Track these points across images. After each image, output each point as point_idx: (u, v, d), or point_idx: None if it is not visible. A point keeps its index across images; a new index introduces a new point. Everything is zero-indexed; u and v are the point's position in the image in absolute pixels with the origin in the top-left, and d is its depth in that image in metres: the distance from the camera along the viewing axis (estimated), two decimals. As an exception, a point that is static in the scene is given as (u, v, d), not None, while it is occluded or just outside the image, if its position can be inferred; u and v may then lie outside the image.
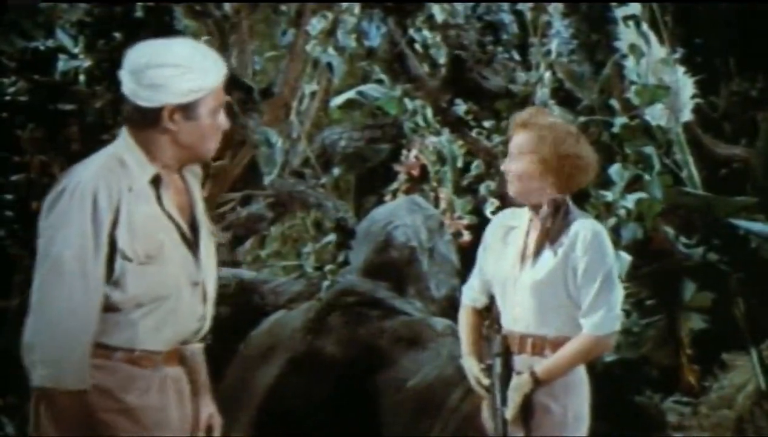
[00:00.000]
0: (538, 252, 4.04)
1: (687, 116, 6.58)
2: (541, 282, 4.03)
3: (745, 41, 8.02)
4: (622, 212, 5.97)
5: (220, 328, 6.92)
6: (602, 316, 3.94)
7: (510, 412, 3.99)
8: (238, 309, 6.83)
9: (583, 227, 3.99)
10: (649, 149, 6.04)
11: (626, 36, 6.30)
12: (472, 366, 4.11)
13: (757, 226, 6.42)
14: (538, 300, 4.04)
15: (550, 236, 4.01)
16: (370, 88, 6.91)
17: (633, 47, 6.23)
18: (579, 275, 3.96)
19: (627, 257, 5.99)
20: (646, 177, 5.99)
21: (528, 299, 4.05)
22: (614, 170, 5.98)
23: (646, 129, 6.10)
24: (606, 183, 6.12)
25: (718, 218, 6.50)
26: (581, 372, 4.06)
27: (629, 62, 6.28)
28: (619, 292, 4.02)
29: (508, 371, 4.05)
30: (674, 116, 6.41)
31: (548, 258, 4.03)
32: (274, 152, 6.10)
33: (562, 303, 4.01)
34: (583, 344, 3.97)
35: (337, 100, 7.17)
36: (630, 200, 5.96)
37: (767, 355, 6.54)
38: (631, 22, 6.26)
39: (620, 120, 6.13)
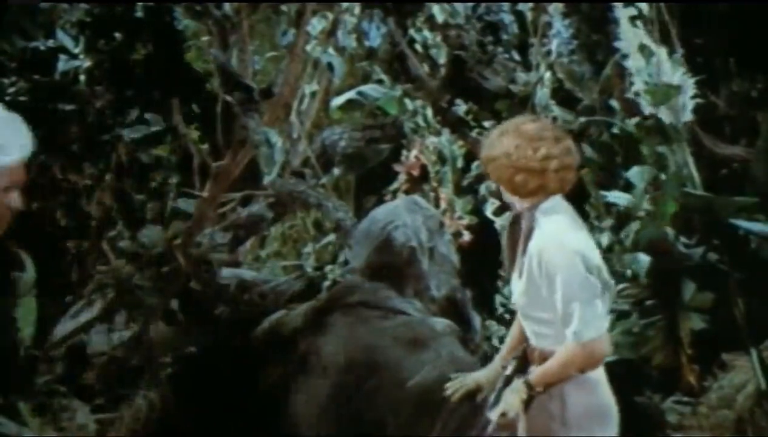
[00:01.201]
0: (515, 270, 4.08)
1: (687, 115, 6.58)
2: (520, 304, 4.07)
3: (746, 41, 8.02)
4: (638, 213, 5.98)
5: (220, 328, 6.97)
6: (577, 324, 3.91)
7: (496, 412, 4.01)
8: (239, 309, 6.84)
9: (534, 245, 3.99)
10: (664, 149, 6.04)
11: (634, 36, 6.29)
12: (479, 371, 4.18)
13: (757, 226, 6.41)
14: (524, 317, 4.07)
15: (512, 255, 4.04)
16: (370, 89, 6.91)
17: (643, 47, 6.22)
18: (543, 292, 3.95)
19: (646, 259, 6.00)
20: (663, 177, 5.99)
21: (520, 315, 4.09)
22: (633, 172, 5.99)
23: (659, 129, 6.10)
24: (611, 185, 6.13)
25: (718, 218, 6.49)
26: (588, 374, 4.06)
27: (639, 62, 6.26)
28: (592, 295, 3.96)
29: (512, 375, 4.07)
30: (675, 116, 6.41)
31: (515, 280, 4.06)
32: (274, 152, 6.10)
33: (546, 319, 4.01)
34: (568, 353, 3.97)
35: (338, 101, 7.18)
36: (645, 201, 5.98)
37: (767, 355, 6.53)
38: (639, 22, 6.25)
39: (634, 120, 6.13)
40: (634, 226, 5.95)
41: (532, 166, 3.98)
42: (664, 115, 6.14)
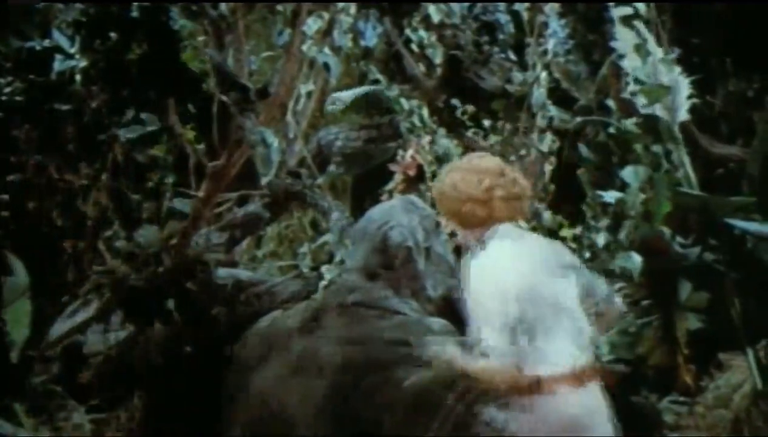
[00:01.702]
0: None
1: (683, 115, 6.58)
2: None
3: (742, 41, 8.03)
4: (630, 212, 5.98)
5: (216, 328, 6.96)
6: (483, 346, 4.02)
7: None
8: (234, 309, 6.83)
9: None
10: (658, 148, 6.05)
11: (629, 36, 6.29)
12: None
13: (753, 226, 6.40)
14: None
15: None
16: (366, 89, 6.90)
17: (638, 47, 6.22)
18: None
19: (638, 258, 6.00)
20: (656, 176, 6.00)
21: None
22: (627, 171, 6.00)
23: (653, 128, 6.11)
24: (608, 185, 6.13)
25: (714, 217, 6.49)
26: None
27: (635, 62, 6.26)
28: (496, 324, 3.98)
29: None
30: (671, 116, 6.41)
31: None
32: (270, 152, 6.10)
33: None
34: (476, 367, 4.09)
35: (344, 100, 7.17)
36: (639, 200, 5.98)
37: (764, 355, 6.53)
38: (634, 22, 6.25)
39: (630, 120, 6.14)
40: (629, 225, 5.95)
41: (476, 195, 4.17)
42: (660, 115, 6.14)
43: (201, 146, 7.37)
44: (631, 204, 5.95)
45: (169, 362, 6.91)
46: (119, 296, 6.99)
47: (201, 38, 7.38)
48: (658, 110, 6.14)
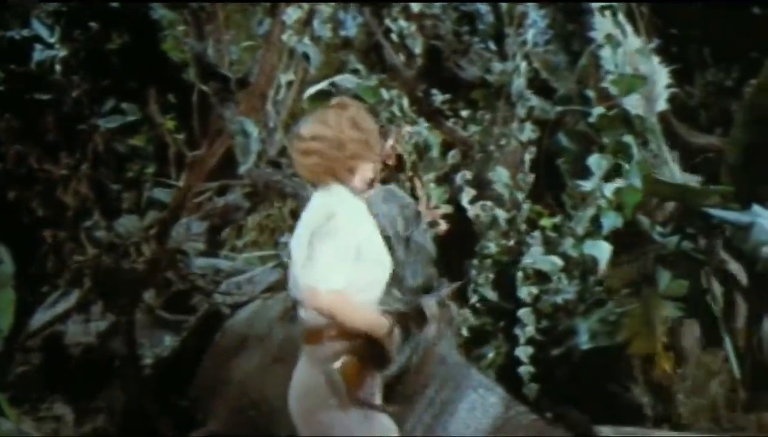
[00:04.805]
0: None
1: (662, 105, 6.61)
2: None
3: (720, 32, 8.06)
4: (602, 201, 5.98)
5: (197, 318, 6.96)
6: None
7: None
8: (215, 299, 6.84)
9: None
10: (628, 138, 6.05)
11: (602, 26, 6.31)
12: None
13: (731, 215, 6.44)
14: None
15: None
16: (345, 79, 6.89)
17: (609, 37, 6.24)
18: None
19: (607, 247, 6.01)
20: (625, 166, 6.00)
21: None
22: (593, 159, 6.00)
23: (624, 118, 6.12)
24: (585, 173, 6.14)
25: (693, 207, 6.53)
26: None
27: (606, 52, 6.28)
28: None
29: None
30: (649, 106, 6.43)
31: None
32: (250, 142, 6.09)
33: None
34: None
35: (312, 91, 7.15)
36: (609, 190, 5.97)
37: (741, 343, 6.58)
38: (607, 12, 6.27)
39: (598, 110, 6.13)
40: (590, 212, 5.97)
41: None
42: (636, 104, 6.16)
43: (181, 136, 7.36)
44: (597, 193, 5.96)
45: (150, 351, 6.92)
46: (100, 286, 6.98)
47: (181, 28, 7.35)
48: (636, 100, 6.16)
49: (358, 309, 3.94)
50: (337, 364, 3.89)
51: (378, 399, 4.07)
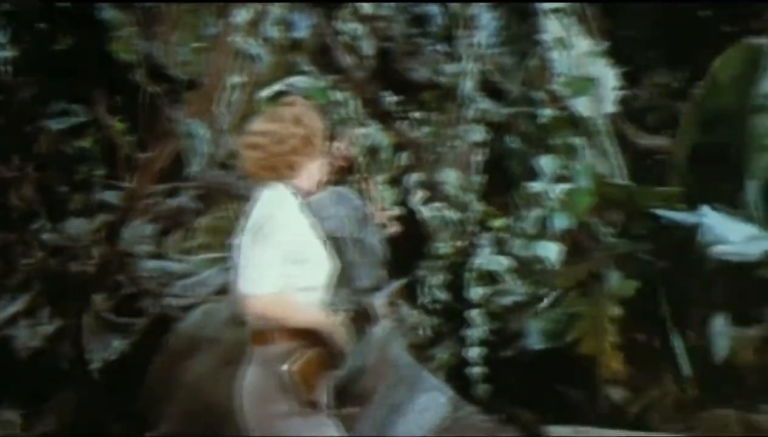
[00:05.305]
0: None
1: (610, 107, 6.65)
2: None
3: (668, 34, 8.13)
4: (551, 203, 6.02)
5: (147, 321, 6.92)
6: None
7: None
8: (166, 302, 6.80)
9: None
10: (577, 140, 6.09)
11: (552, 28, 6.34)
12: None
13: (679, 216, 6.50)
14: None
15: None
16: (297, 80, 6.88)
17: (559, 40, 6.28)
18: None
19: (557, 247, 6.04)
20: (575, 167, 6.04)
21: None
22: (543, 161, 6.03)
23: (573, 120, 6.16)
24: (535, 174, 6.18)
25: (641, 208, 6.58)
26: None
27: (556, 54, 6.32)
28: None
29: None
30: (597, 108, 6.47)
31: None
32: (199, 144, 6.07)
33: None
34: None
35: (265, 93, 7.14)
36: (559, 191, 6.01)
37: (690, 342, 6.64)
38: (555, 15, 6.31)
39: (547, 112, 6.17)
40: (539, 212, 6.01)
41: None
42: (585, 106, 6.20)
43: (130, 138, 7.31)
44: (547, 194, 5.99)
45: (99, 355, 6.87)
46: (48, 289, 6.93)
47: (130, 29, 7.30)
48: (585, 102, 6.20)
49: (297, 311, 3.94)
50: (287, 366, 3.88)
51: (326, 401, 4.06)
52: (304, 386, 3.89)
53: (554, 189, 5.94)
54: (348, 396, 4.99)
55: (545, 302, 6.53)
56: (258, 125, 4.09)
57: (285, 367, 3.87)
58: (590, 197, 6.05)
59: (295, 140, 4.03)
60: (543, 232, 6.01)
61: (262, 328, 3.95)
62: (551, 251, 5.94)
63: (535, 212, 6.09)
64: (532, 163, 6.20)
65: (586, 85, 6.16)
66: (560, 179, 6.06)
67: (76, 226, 6.97)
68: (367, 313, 4.07)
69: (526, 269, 6.13)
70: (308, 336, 3.93)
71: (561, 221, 5.96)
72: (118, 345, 6.84)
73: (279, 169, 4.02)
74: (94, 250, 6.80)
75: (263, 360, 3.96)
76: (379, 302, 4.10)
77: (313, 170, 4.11)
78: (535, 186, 6.14)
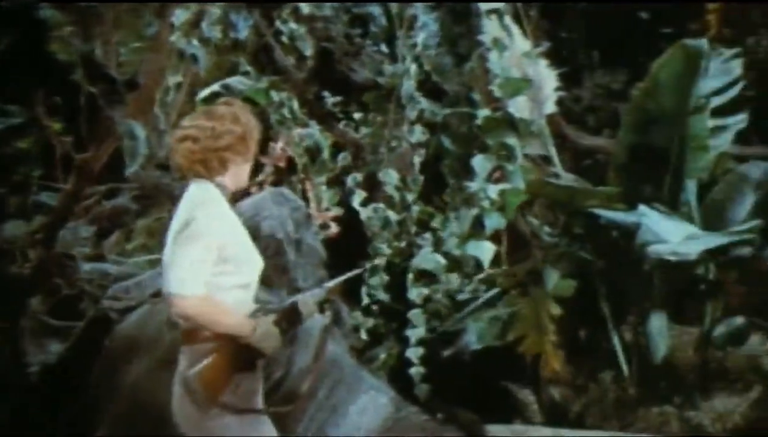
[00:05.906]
0: None
1: (550, 108, 6.68)
2: None
3: (608, 36, 8.20)
4: (485, 202, 6.02)
5: (84, 324, 6.85)
6: None
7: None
8: (104, 304, 6.74)
9: None
10: (512, 141, 6.10)
11: (489, 30, 6.35)
12: None
13: (618, 215, 6.54)
14: None
15: None
16: (236, 81, 6.86)
17: (496, 41, 6.29)
18: None
19: (491, 247, 6.05)
20: (509, 168, 6.05)
21: None
22: (477, 160, 6.04)
23: (509, 121, 6.17)
24: (469, 173, 6.18)
25: (581, 207, 6.61)
26: None
27: (493, 55, 6.33)
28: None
29: None
30: (537, 108, 6.50)
31: None
32: (138, 144, 6.03)
33: None
34: None
35: (203, 93, 7.10)
36: (493, 191, 6.02)
37: (629, 341, 6.69)
38: (494, 16, 6.32)
39: (483, 112, 6.18)
40: (473, 212, 6.02)
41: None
42: (522, 107, 6.22)
43: (68, 139, 7.25)
44: (481, 193, 6.00)
45: (38, 359, 6.80)
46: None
47: (69, 28, 7.23)
48: (522, 103, 6.22)
49: (221, 312, 3.91)
50: (196, 369, 3.85)
51: (258, 400, 4.04)
52: (215, 388, 3.86)
53: (488, 189, 5.95)
54: (287, 396, 4.98)
55: (480, 301, 6.55)
56: (194, 120, 4.06)
57: (194, 370, 3.85)
58: (522, 196, 6.07)
59: (230, 137, 4.00)
60: (477, 231, 6.01)
61: (190, 327, 3.92)
62: (484, 251, 5.95)
63: (470, 212, 6.09)
64: (468, 163, 6.21)
65: (522, 86, 6.18)
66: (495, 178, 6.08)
67: (13, 228, 6.89)
68: (293, 311, 4.04)
69: (461, 268, 6.14)
70: (226, 337, 3.91)
71: (493, 221, 5.97)
72: (55, 348, 6.78)
73: (210, 164, 3.99)
74: (32, 252, 6.73)
75: (190, 359, 3.93)
76: (306, 300, 4.07)
77: (241, 172, 4.08)
78: (470, 186, 6.14)
